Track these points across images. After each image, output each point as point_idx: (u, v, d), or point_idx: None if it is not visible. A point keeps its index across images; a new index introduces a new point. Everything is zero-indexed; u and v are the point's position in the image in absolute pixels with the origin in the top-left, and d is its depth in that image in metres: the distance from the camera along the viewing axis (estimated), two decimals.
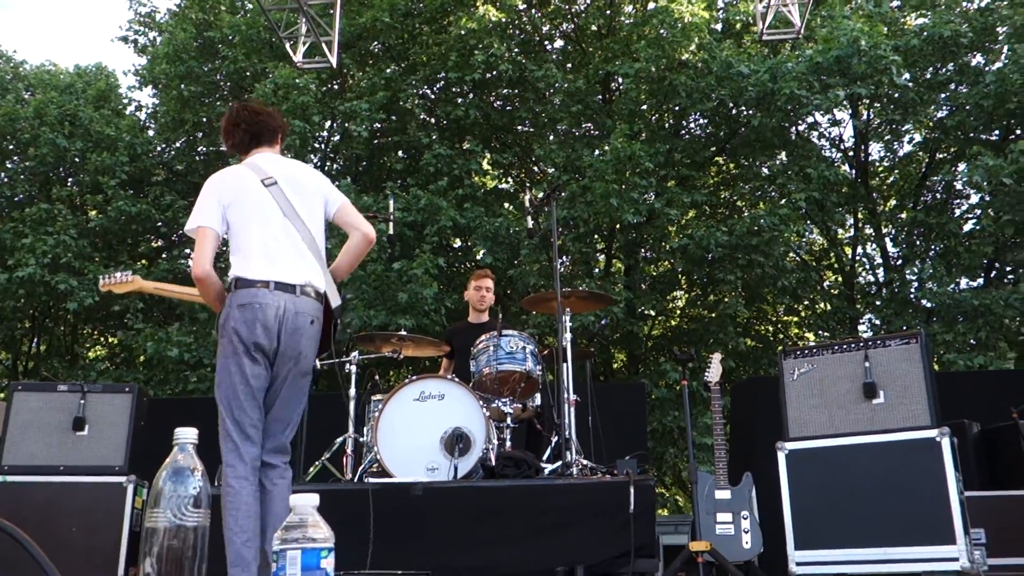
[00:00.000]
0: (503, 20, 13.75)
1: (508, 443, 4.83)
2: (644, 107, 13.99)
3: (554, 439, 4.91)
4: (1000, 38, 12.58)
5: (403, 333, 5.51)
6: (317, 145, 14.74)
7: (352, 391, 5.29)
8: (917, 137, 14.53)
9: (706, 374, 5.42)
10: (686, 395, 5.27)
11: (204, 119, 14.66)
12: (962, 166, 12.83)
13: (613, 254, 14.93)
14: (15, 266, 12.30)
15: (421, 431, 4.48)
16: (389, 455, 4.45)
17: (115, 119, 14.64)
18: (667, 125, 14.51)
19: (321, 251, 3.38)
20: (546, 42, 15.76)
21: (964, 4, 13.30)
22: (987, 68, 12.45)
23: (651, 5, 14.57)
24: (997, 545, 4.75)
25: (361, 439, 5.10)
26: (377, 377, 5.43)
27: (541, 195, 5.43)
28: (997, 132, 12.97)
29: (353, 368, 5.36)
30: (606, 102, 14.82)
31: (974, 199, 13.38)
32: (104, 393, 5.07)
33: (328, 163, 15.23)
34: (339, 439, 5.24)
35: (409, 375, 5.12)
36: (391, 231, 6.04)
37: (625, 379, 13.93)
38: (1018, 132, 12.61)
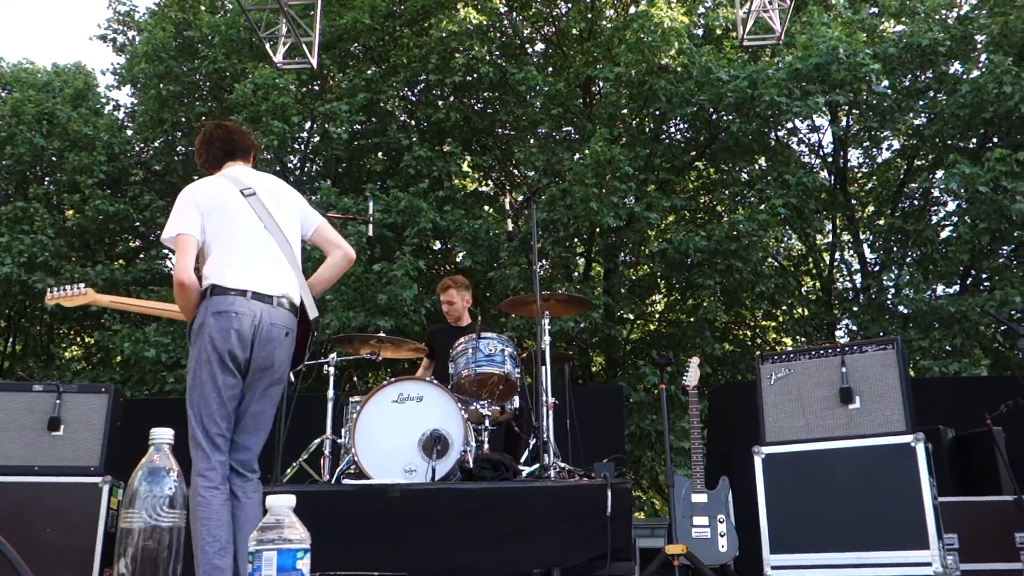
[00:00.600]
0: (484, 23, 13.76)
1: (486, 445, 4.83)
2: (624, 111, 14.04)
3: (532, 442, 4.92)
4: (978, 47, 12.73)
5: (382, 335, 5.50)
6: (297, 146, 14.69)
7: (330, 392, 5.28)
8: (895, 144, 14.68)
9: (684, 378, 5.43)
10: (664, 399, 5.29)
11: (183, 119, 14.58)
12: (939, 173, 12.96)
13: (592, 258, 14.97)
14: None
15: (399, 433, 4.47)
16: (367, 457, 4.44)
17: (93, 118, 14.52)
18: (647, 129, 14.57)
19: (298, 262, 3.36)
20: (527, 45, 15.79)
21: (943, 12, 13.45)
22: (964, 76, 12.58)
23: (632, 9, 14.64)
24: (970, 550, 4.80)
25: (339, 441, 5.08)
26: (355, 379, 5.42)
27: (521, 198, 5.44)
28: (974, 140, 13.13)
29: (331, 369, 5.34)
30: (586, 106, 14.87)
31: (951, 206, 13.54)
32: (80, 393, 5.04)
33: (308, 164, 15.18)
34: (316, 440, 5.22)
35: (388, 377, 5.12)
36: (371, 233, 6.04)
37: (603, 382, 13.96)
38: (995, 141, 12.75)
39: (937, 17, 13.13)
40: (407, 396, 4.58)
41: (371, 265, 11.43)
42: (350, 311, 11.08)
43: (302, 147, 14.97)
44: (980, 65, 12.45)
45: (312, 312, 3.39)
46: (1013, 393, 5.48)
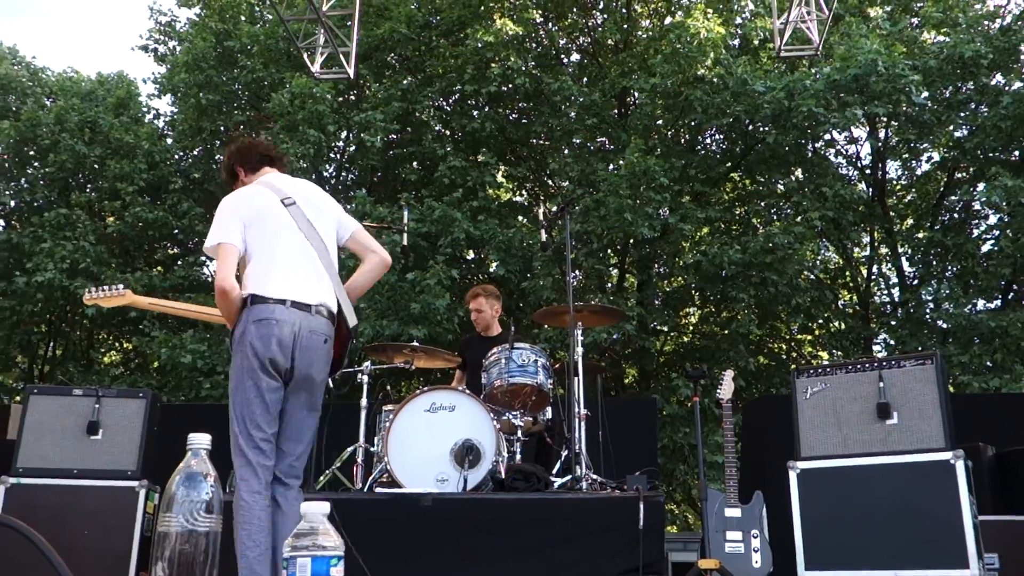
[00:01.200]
0: (520, 33, 13.81)
1: (518, 456, 4.82)
2: (660, 122, 13.99)
3: (564, 453, 4.90)
4: (1022, 58, 12.53)
5: (415, 344, 5.52)
6: (333, 155, 14.82)
7: (363, 401, 5.30)
8: (935, 156, 14.48)
9: (718, 391, 5.39)
10: (697, 412, 5.25)
11: (222, 128, 14.78)
12: (981, 186, 12.76)
13: (626, 269, 14.92)
14: (34, 270, 12.42)
15: (432, 442, 4.48)
16: (399, 466, 4.45)
17: (134, 127, 14.78)
18: (683, 140, 14.51)
19: (336, 270, 3.40)
20: (562, 56, 15.81)
21: (985, 24, 13.26)
22: (1007, 88, 12.39)
23: (668, 20, 14.60)
24: (1011, 570, 4.70)
25: (372, 449, 5.10)
26: (388, 387, 5.44)
27: (555, 208, 5.45)
28: (1016, 153, 12.91)
29: (365, 378, 5.37)
30: (622, 116, 14.84)
31: (992, 220, 13.32)
32: (119, 398, 5.10)
33: (343, 173, 15.31)
34: (349, 449, 5.24)
35: (420, 386, 5.13)
36: (405, 242, 6.07)
37: (636, 394, 13.89)
38: None
39: (979, 28, 12.94)
40: (440, 405, 4.59)
41: (404, 274, 11.49)
42: (383, 320, 11.15)
43: (338, 156, 15.11)
44: (1023, 76, 12.26)
45: (352, 320, 3.42)
46: None
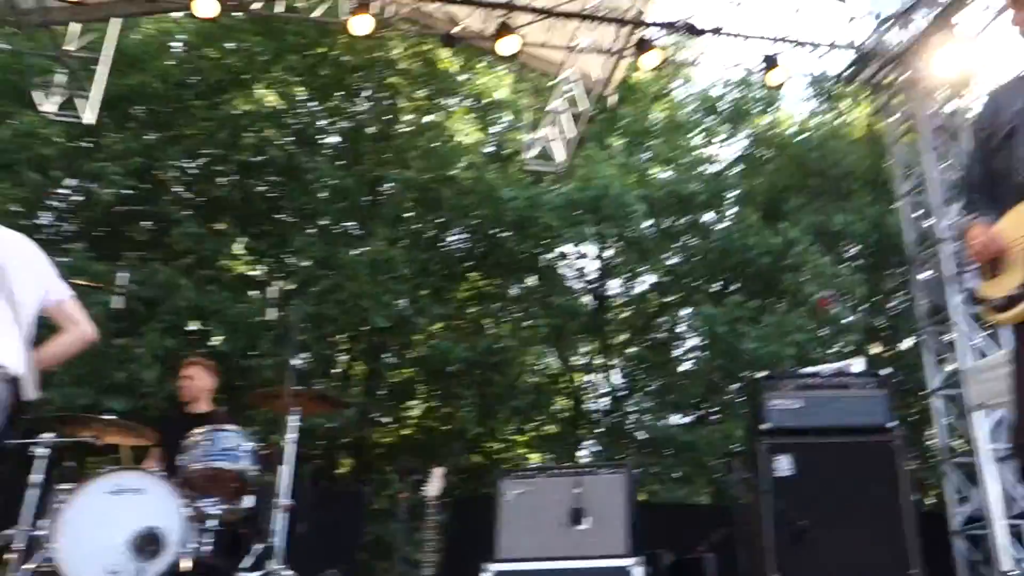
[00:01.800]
0: (280, 107, 13.58)
1: (209, 547, 4.52)
2: (409, 214, 14.20)
3: (261, 546, 4.66)
4: (728, 200, 14.10)
5: (110, 417, 5.07)
6: (53, 203, 13.58)
7: (35, 478, 4.72)
8: (652, 279, 15.77)
9: (425, 488, 5.39)
10: (403, 508, 5.20)
11: None
12: (686, 311, 14.00)
13: (355, 356, 14.75)
14: None
15: (110, 529, 4.10)
16: (67, 555, 4.02)
17: None
18: (428, 235, 14.79)
19: (28, 336, 3.13)
20: (320, 136, 15.71)
21: (702, 167, 14.83)
22: (715, 227, 13.87)
23: (429, 118, 14.99)
24: None
25: (35, 534, 4.55)
26: (73, 464, 4.92)
27: (290, 287, 5.34)
28: (720, 284, 14.34)
29: (43, 451, 4.79)
30: (372, 204, 14.91)
31: (694, 342, 14.60)
32: None
33: (63, 223, 14.05)
34: (7, 532, 4.63)
35: (110, 465, 4.71)
36: (122, 304, 5.67)
37: (349, 486, 13.58)
38: (735, 286, 14.01)
39: (696, 171, 14.46)
40: (125, 488, 4.24)
41: (112, 339, 10.61)
42: (78, 387, 10.15)
43: (62, 204, 13.88)
44: (728, 216, 13.80)
45: (30, 393, 3.14)
46: (727, 522, 5.90)
